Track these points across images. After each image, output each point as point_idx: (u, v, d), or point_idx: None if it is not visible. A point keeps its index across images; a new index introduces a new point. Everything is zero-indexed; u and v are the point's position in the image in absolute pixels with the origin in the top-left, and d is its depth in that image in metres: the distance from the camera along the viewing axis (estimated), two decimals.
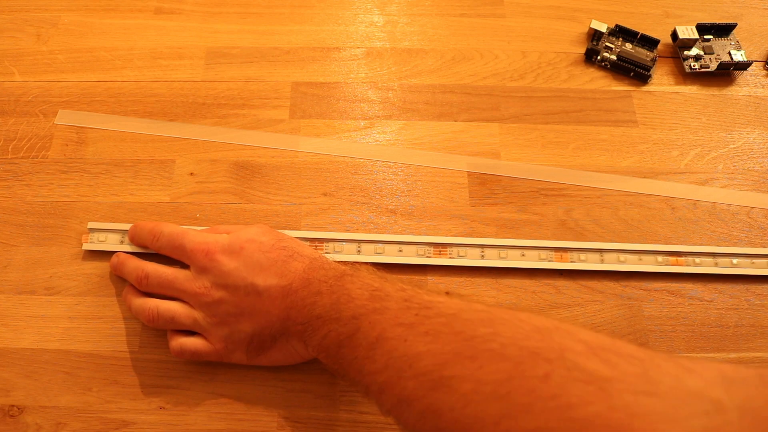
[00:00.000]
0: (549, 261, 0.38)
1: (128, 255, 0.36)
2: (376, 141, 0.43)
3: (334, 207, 0.40)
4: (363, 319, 0.27)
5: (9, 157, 0.41)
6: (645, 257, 0.39)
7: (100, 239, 0.38)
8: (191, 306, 0.32)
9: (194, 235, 0.34)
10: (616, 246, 0.39)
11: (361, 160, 0.42)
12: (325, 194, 0.40)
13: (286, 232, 0.38)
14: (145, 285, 0.34)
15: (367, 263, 0.32)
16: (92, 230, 0.38)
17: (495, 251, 0.38)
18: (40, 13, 0.47)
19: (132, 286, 0.35)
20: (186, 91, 0.44)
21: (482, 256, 0.38)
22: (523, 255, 0.38)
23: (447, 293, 0.37)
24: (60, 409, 0.34)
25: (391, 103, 0.44)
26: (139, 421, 0.34)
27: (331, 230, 0.39)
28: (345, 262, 0.32)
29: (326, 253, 0.38)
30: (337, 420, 0.34)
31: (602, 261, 0.38)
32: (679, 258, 0.39)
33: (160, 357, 0.35)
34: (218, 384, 0.35)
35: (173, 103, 0.43)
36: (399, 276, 0.32)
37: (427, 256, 0.38)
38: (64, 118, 0.43)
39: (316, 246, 0.38)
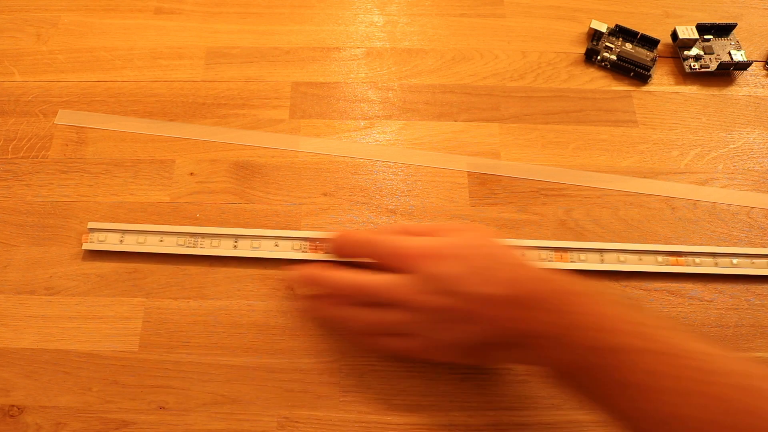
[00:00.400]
0: (549, 261, 0.38)
1: (319, 265, 0.35)
2: (376, 141, 0.43)
3: (334, 207, 0.40)
4: (610, 356, 0.24)
5: (9, 157, 0.41)
6: (645, 257, 0.39)
7: (100, 239, 0.38)
8: (404, 310, 0.31)
9: (410, 239, 0.32)
10: (616, 246, 0.39)
11: (361, 160, 0.42)
12: (325, 194, 0.40)
13: (287, 232, 0.38)
14: (354, 296, 0.33)
15: (595, 279, 0.30)
16: (92, 230, 0.38)
17: None
18: (40, 13, 0.47)
19: (320, 295, 0.34)
20: (186, 91, 0.44)
21: None
22: (522, 255, 0.38)
23: None
24: (60, 409, 0.34)
25: (391, 103, 0.44)
26: (139, 421, 0.34)
27: (331, 230, 0.39)
28: (575, 275, 0.30)
29: (326, 252, 0.38)
30: (337, 420, 0.34)
31: (602, 261, 0.38)
32: (679, 258, 0.39)
33: (160, 357, 0.35)
34: (218, 384, 0.35)
35: (173, 103, 0.43)
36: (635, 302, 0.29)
37: None
38: (64, 118, 0.43)
39: (316, 246, 0.38)
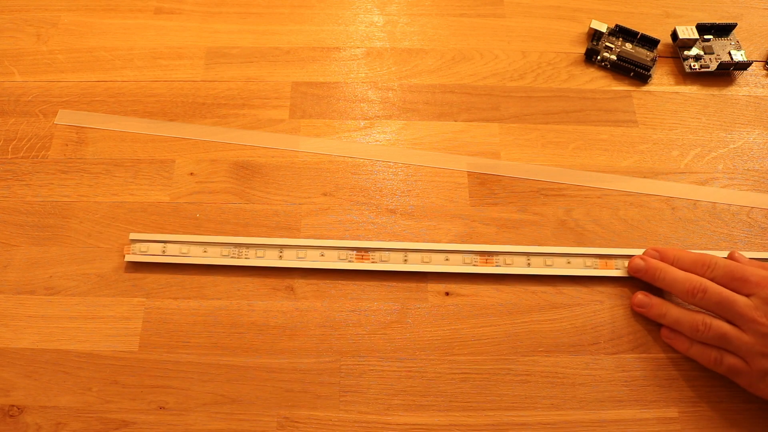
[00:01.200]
0: (594, 268, 0.38)
1: (670, 267, 0.36)
2: (376, 141, 0.43)
3: (334, 207, 0.40)
4: None
5: (9, 157, 0.41)
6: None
7: (142, 250, 0.37)
8: (742, 331, 0.33)
9: (755, 268, 0.34)
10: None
11: (361, 160, 0.42)
12: (325, 194, 0.40)
13: (333, 241, 0.38)
14: (699, 299, 0.34)
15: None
16: (134, 241, 0.38)
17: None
18: (40, 13, 0.47)
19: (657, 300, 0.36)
20: (186, 91, 0.44)
21: (529, 263, 0.38)
22: (569, 262, 0.38)
23: (447, 294, 0.37)
24: (60, 409, 0.34)
25: (391, 103, 0.44)
26: (139, 421, 0.34)
27: (330, 230, 0.39)
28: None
29: (373, 262, 0.37)
30: (337, 420, 0.34)
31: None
32: None
33: (160, 357, 0.35)
34: (218, 384, 0.35)
35: (173, 103, 0.43)
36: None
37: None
38: (64, 118, 0.43)
39: (362, 255, 0.38)
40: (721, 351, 0.34)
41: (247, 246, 0.38)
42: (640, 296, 0.37)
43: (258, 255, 0.37)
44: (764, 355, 0.32)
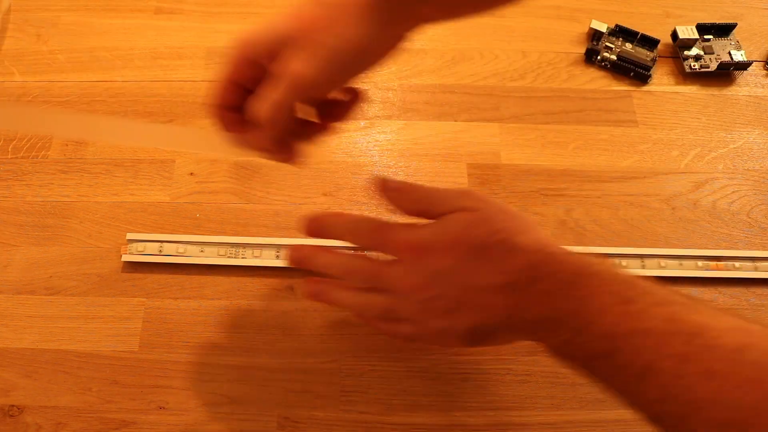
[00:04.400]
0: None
1: (315, 247, 0.32)
2: (376, 141, 0.43)
3: (334, 207, 0.40)
4: (620, 341, 0.24)
5: (9, 157, 0.41)
6: (686, 262, 0.38)
7: (139, 249, 0.37)
8: (392, 296, 0.30)
9: (399, 229, 0.30)
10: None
11: (361, 160, 0.42)
12: (325, 194, 0.40)
13: (334, 241, 0.37)
14: (348, 278, 0.31)
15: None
16: (131, 241, 0.38)
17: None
18: (40, 13, 0.47)
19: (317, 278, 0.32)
20: (186, 91, 0.44)
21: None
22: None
23: None
24: (60, 409, 0.34)
25: (391, 103, 0.44)
26: (139, 421, 0.34)
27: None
28: (577, 253, 0.28)
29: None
30: (337, 420, 0.34)
31: (643, 266, 0.38)
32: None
33: (160, 357, 0.35)
34: (218, 384, 0.35)
35: (173, 103, 0.43)
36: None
37: None
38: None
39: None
40: (394, 322, 0.30)
41: (244, 246, 0.38)
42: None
43: (254, 255, 0.37)
44: (434, 317, 0.29)
